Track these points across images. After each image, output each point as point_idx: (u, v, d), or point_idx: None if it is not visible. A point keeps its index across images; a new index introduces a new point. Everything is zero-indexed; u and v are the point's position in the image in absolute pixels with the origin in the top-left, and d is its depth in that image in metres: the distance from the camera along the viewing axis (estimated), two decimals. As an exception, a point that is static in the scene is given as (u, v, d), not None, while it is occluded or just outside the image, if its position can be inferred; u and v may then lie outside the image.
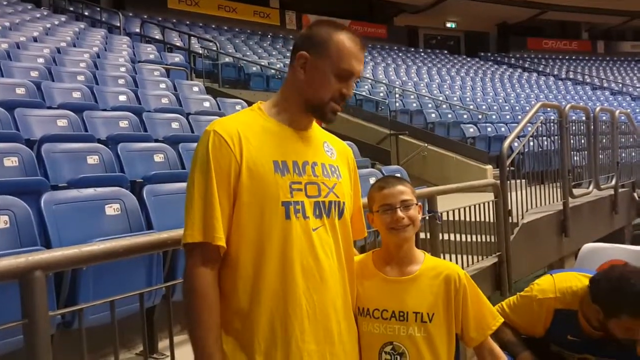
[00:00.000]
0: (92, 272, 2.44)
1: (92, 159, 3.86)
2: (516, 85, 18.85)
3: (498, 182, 4.82)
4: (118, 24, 12.33)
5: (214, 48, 12.59)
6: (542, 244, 5.63)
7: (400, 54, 21.38)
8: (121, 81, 6.72)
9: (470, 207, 4.36)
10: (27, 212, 2.60)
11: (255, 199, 1.46)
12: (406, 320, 1.71)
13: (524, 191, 5.41)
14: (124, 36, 11.13)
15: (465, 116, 12.31)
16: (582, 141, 7.02)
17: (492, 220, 4.59)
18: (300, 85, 1.53)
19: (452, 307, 1.73)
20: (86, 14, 13.67)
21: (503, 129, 11.30)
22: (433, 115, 11.70)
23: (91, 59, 7.60)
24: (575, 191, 6.30)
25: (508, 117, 13.00)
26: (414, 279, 1.74)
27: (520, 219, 5.19)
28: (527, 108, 12.24)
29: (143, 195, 3.24)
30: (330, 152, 1.62)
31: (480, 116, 12.64)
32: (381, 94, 12.72)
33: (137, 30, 12.84)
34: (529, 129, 6.19)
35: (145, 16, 15.24)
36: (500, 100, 15.48)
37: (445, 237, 4.03)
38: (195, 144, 1.53)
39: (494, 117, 12.69)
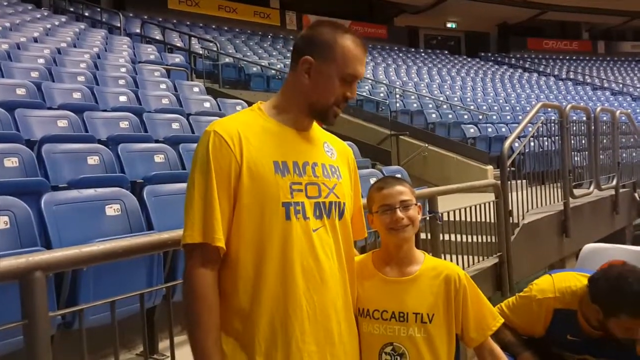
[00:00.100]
0: (92, 273, 2.44)
1: (92, 160, 3.86)
2: (517, 86, 18.83)
3: (499, 182, 4.82)
4: (118, 25, 12.34)
5: (214, 48, 12.58)
6: (543, 244, 5.63)
7: (401, 55, 21.39)
8: (121, 82, 6.72)
9: (470, 208, 4.36)
10: (27, 213, 2.61)
11: (255, 199, 1.46)
12: (406, 321, 1.70)
13: (524, 191, 5.41)
14: (124, 37, 11.13)
15: (465, 116, 12.29)
16: (583, 141, 7.03)
17: (492, 221, 4.58)
18: (304, 89, 1.53)
19: (452, 308, 1.73)
20: (86, 14, 13.66)
21: (503, 130, 11.28)
22: (433, 115, 11.68)
23: (91, 59, 7.60)
24: (576, 191, 6.30)
25: (508, 117, 12.99)
26: (414, 280, 1.74)
27: (521, 220, 5.19)
28: (528, 108, 12.25)
29: (143, 196, 3.25)
30: (330, 152, 1.62)
31: (480, 116, 12.62)
32: (382, 95, 12.70)
33: (138, 30, 12.84)
34: (530, 129, 6.18)
35: (146, 17, 15.26)
36: (501, 101, 15.46)
37: (446, 237, 4.03)
38: (195, 145, 1.52)
39: (494, 117, 12.67)
